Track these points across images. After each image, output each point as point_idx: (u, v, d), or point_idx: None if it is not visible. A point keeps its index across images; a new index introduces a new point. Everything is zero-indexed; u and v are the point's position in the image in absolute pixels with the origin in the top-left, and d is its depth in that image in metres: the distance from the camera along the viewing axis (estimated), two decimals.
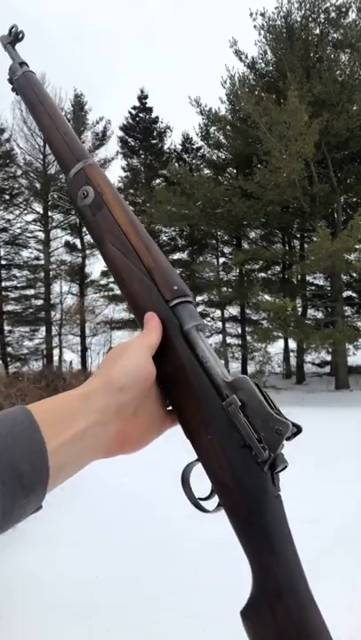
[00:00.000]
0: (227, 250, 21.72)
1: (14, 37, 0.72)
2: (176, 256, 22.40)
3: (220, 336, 20.77)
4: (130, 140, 22.99)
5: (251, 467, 0.49)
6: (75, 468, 0.45)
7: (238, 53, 17.88)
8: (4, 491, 0.39)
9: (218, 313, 21.66)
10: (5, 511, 0.39)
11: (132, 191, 22.64)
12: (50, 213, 21.50)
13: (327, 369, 20.23)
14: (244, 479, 0.49)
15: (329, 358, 19.56)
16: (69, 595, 2.82)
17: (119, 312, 22.28)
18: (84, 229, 23.73)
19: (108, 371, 0.49)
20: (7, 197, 20.92)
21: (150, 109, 23.00)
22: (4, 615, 2.65)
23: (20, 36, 0.72)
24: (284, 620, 0.45)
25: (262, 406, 0.49)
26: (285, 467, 0.50)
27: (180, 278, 0.60)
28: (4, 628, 2.55)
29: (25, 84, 0.69)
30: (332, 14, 16.26)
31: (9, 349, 20.93)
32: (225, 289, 19.53)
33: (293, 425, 0.48)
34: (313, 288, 19.58)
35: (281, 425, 0.48)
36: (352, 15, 16.16)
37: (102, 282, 22.84)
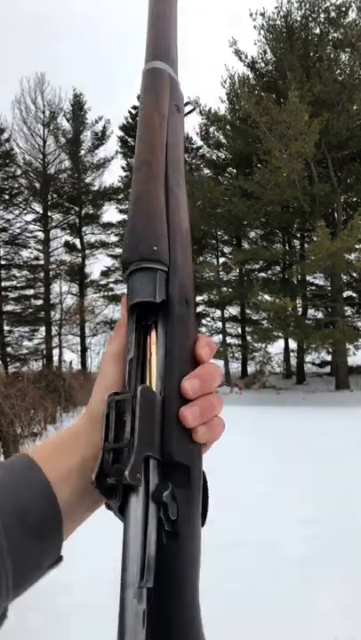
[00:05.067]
0: (227, 250, 21.72)
1: None
2: None
3: (220, 336, 20.77)
4: (129, 139, 22.99)
5: None
6: (83, 506, 0.41)
7: (238, 53, 17.89)
8: (11, 535, 0.35)
9: (218, 313, 21.67)
10: (17, 559, 0.35)
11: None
12: (49, 213, 21.52)
13: (327, 369, 20.22)
14: None
15: (329, 358, 19.55)
16: (68, 594, 2.82)
17: (119, 312, 22.26)
18: (84, 229, 23.78)
19: (90, 399, 0.45)
20: (7, 197, 20.93)
21: None
22: None
23: None
24: None
25: None
26: None
27: (155, 230, 0.43)
28: (2, 629, 2.54)
29: None
30: (332, 14, 16.27)
31: (9, 349, 20.94)
32: (225, 289, 19.53)
33: None
34: (313, 288, 19.57)
35: None
36: (352, 15, 16.19)
37: (102, 282, 22.86)
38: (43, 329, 21.31)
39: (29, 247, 21.66)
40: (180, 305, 0.42)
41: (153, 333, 0.41)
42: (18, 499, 0.37)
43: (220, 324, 21.53)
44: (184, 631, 0.36)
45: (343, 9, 16.15)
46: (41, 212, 21.38)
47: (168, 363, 0.40)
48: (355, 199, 18.33)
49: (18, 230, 21.42)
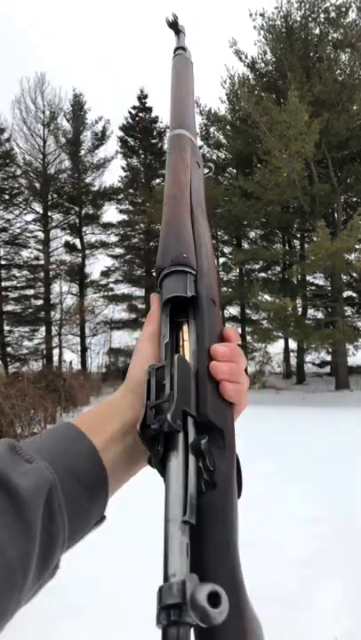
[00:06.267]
0: (227, 250, 21.74)
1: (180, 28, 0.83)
2: None
3: None
4: (129, 139, 22.99)
5: None
6: (126, 471, 0.45)
7: (238, 53, 17.88)
8: (66, 491, 0.39)
9: None
10: (72, 514, 0.39)
11: (131, 191, 22.64)
12: (49, 213, 21.50)
13: (327, 369, 20.22)
14: None
15: (329, 358, 19.55)
16: (68, 594, 2.82)
17: (119, 312, 22.28)
18: (84, 229, 23.72)
19: (128, 373, 0.50)
20: (7, 197, 20.91)
21: (150, 109, 23.01)
22: None
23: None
24: None
25: None
26: None
27: (182, 239, 0.52)
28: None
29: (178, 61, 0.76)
30: (332, 14, 16.25)
31: (9, 349, 20.92)
32: (225, 289, 19.54)
33: None
34: (313, 288, 19.57)
35: None
36: (352, 15, 16.16)
37: (102, 282, 22.85)
38: (43, 329, 21.29)
39: (29, 247, 21.63)
40: (208, 302, 0.49)
41: (185, 326, 0.48)
42: (69, 461, 0.41)
43: None
44: (224, 568, 0.40)
45: (343, 9, 16.14)
46: (41, 211, 21.37)
47: (199, 343, 0.46)
48: (355, 199, 18.33)
49: (18, 230, 21.40)
